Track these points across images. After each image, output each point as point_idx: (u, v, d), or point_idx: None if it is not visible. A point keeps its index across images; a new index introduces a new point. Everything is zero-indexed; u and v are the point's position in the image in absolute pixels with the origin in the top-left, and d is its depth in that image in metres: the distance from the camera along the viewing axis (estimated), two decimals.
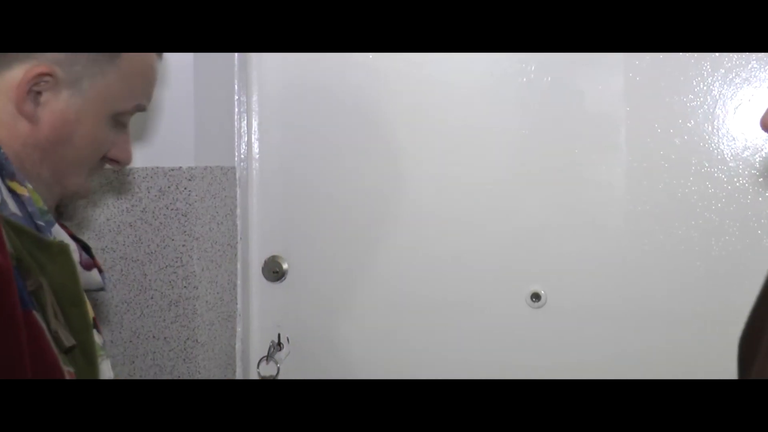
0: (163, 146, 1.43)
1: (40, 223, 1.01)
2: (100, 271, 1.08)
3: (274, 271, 1.60)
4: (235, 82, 1.58)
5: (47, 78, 1.04)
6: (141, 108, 1.15)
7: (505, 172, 1.54)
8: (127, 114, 1.13)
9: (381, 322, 1.59)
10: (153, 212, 1.46)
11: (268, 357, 1.61)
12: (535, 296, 1.53)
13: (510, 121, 1.54)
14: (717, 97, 1.46)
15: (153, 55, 1.15)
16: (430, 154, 1.57)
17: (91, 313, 1.02)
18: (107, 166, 1.15)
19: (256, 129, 1.62)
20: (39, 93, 1.05)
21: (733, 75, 1.46)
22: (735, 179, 1.45)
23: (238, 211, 1.59)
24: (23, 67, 1.04)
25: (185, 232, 1.45)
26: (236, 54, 1.61)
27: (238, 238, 1.58)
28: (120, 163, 1.14)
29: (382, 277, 1.59)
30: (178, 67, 1.49)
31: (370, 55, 1.57)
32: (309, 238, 1.60)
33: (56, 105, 1.06)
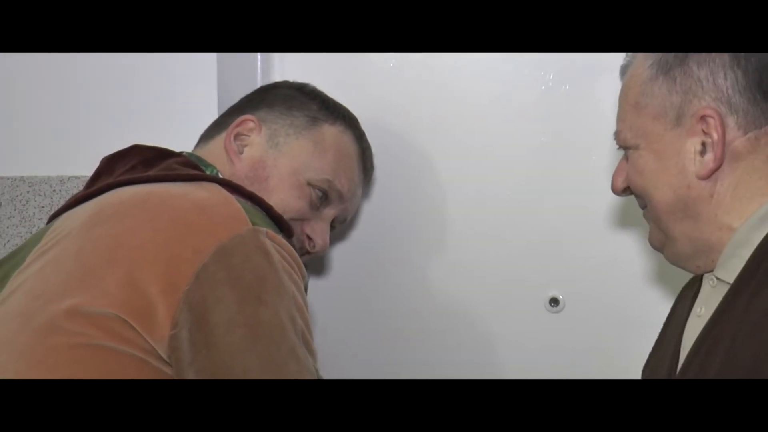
0: (188, 144, 1.45)
1: None
2: None
3: None
4: (258, 83, 1.60)
5: (251, 124, 1.32)
6: (330, 186, 1.34)
7: (525, 179, 1.58)
8: (318, 189, 1.33)
9: (399, 328, 1.63)
10: None
11: None
12: (554, 301, 1.57)
13: (529, 128, 1.57)
14: None
15: (351, 138, 1.38)
16: (449, 162, 1.60)
17: None
18: (306, 245, 1.35)
19: None
20: (244, 139, 1.32)
21: None
22: None
23: None
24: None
25: None
26: (259, 55, 1.63)
27: None
28: (314, 241, 1.36)
29: (401, 283, 1.63)
30: (202, 68, 1.53)
31: (391, 63, 1.60)
32: None
33: (256, 150, 1.32)
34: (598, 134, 1.52)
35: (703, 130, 1.05)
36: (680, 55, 1.08)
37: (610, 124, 1.51)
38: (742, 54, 1.05)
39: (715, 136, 1.04)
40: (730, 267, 1.05)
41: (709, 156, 1.05)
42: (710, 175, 1.05)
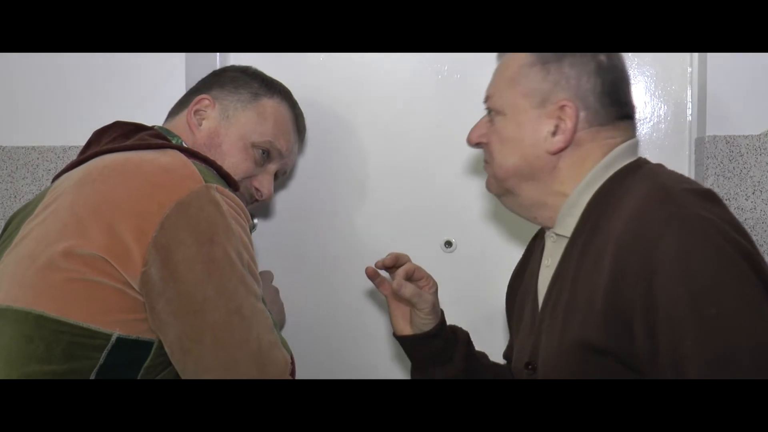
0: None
1: None
2: None
3: None
4: None
5: (206, 101, 1.47)
6: (271, 146, 1.49)
7: (425, 148, 1.84)
8: (262, 150, 1.48)
9: (324, 260, 1.87)
10: None
11: None
12: (448, 243, 1.83)
13: (429, 107, 1.84)
14: None
15: (286, 107, 1.53)
16: (365, 131, 1.85)
17: None
18: (255, 195, 1.50)
19: None
20: (202, 114, 1.46)
21: None
22: None
23: None
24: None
25: None
26: (218, 54, 1.85)
27: None
28: (261, 192, 1.51)
29: (326, 224, 1.87)
30: (175, 64, 1.75)
31: (321, 57, 1.86)
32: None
33: (212, 123, 1.47)
34: (482, 112, 1.81)
35: (559, 117, 1.20)
36: (559, 53, 1.21)
37: None
38: (605, 66, 1.21)
39: (569, 123, 1.19)
40: (566, 224, 1.21)
41: (560, 137, 1.20)
42: (558, 152, 1.21)
